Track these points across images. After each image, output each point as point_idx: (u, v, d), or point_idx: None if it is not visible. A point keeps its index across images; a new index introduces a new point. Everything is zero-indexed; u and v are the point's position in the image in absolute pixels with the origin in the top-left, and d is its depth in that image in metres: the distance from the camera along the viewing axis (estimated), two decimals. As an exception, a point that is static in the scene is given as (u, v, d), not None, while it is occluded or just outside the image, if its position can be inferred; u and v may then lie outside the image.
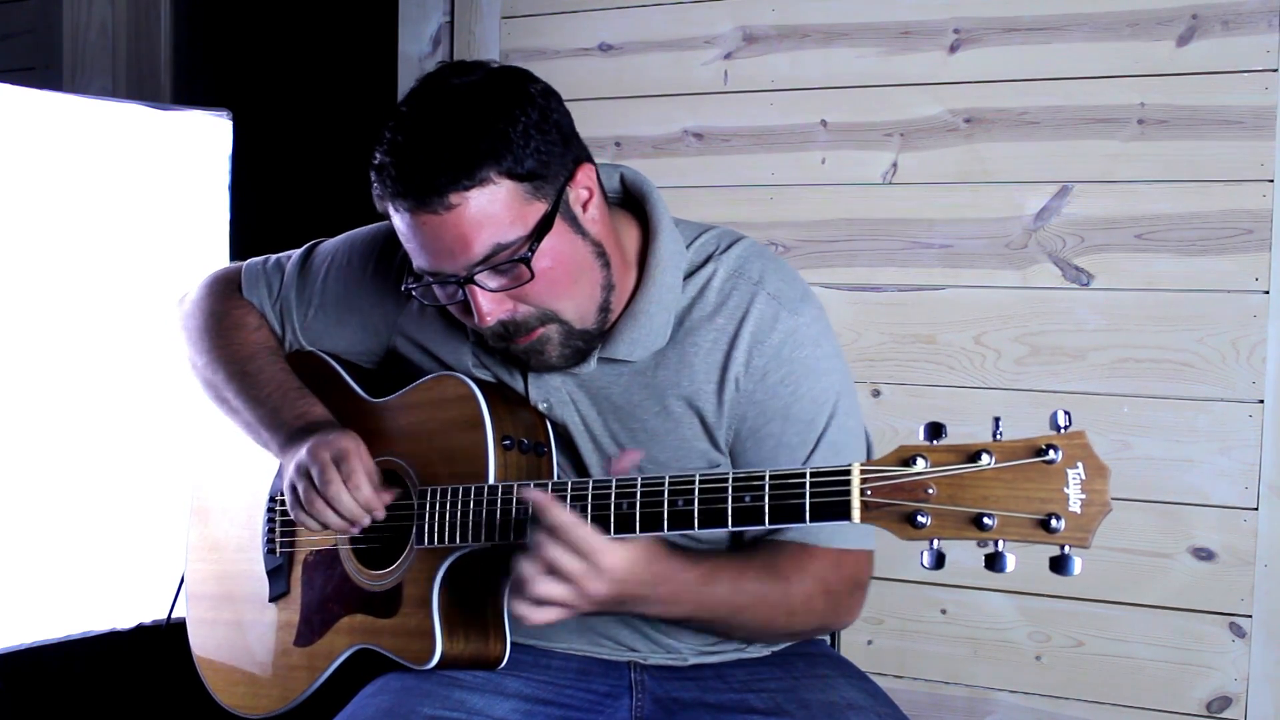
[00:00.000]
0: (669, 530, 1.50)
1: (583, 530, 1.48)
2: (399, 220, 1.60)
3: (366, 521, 1.75)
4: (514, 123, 1.57)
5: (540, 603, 1.51)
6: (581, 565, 1.48)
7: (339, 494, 1.71)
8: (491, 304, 1.61)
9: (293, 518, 1.81)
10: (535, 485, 1.59)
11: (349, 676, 1.83)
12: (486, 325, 1.63)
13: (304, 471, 1.74)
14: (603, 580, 1.50)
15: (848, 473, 1.36)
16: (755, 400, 1.73)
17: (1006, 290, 2.76)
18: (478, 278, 1.59)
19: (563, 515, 1.48)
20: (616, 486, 1.54)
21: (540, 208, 1.60)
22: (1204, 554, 2.61)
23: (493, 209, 1.56)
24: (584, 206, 1.66)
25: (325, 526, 1.76)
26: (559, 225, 1.61)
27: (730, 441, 1.76)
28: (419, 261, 1.62)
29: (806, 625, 1.76)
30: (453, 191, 1.54)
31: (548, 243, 1.60)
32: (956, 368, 2.79)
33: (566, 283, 1.64)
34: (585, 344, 1.71)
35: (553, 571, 1.49)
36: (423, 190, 1.54)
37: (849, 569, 1.73)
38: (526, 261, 1.58)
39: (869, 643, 2.86)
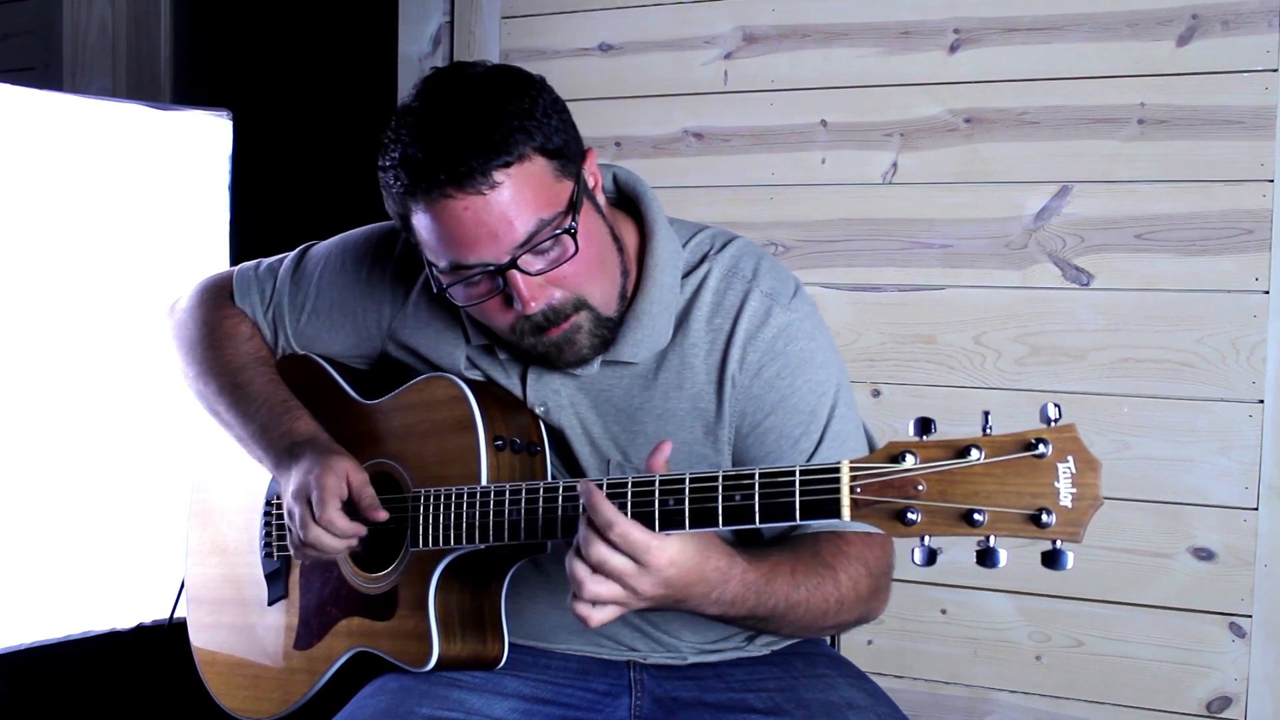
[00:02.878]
0: (659, 529, 1.48)
1: (627, 526, 1.43)
2: (426, 216, 1.58)
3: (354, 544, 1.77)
4: (535, 102, 1.59)
5: (595, 602, 1.46)
6: (629, 563, 1.43)
7: (318, 536, 1.73)
8: (533, 289, 1.60)
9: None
10: (582, 481, 1.53)
11: (350, 677, 1.83)
12: (531, 311, 1.61)
13: (291, 515, 1.76)
14: (652, 577, 1.44)
15: (837, 470, 1.35)
16: (753, 395, 1.72)
17: (1006, 290, 2.76)
18: (520, 261, 1.58)
19: (608, 511, 1.43)
20: (608, 485, 1.52)
21: (568, 186, 1.61)
22: (1204, 554, 2.60)
23: (532, 186, 1.56)
24: (594, 191, 1.68)
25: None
26: (585, 205, 1.63)
27: (733, 441, 1.75)
28: (453, 256, 1.60)
29: (850, 616, 1.68)
30: (495, 169, 1.54)
31: (579, 221, 1.60)
32: (956, 368, 2.79)
33: (597, 262, 1.65)
34: (609, 333, 1.70)
35: (602, 570, 1.44)
36: (465, 172, 1.53)
37: (877, 550, 1.70)
38: (572, 233, 1.59)
39: (869, 643, 2.86)
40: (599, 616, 1.46)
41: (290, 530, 1.78)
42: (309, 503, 1.72)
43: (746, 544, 1.66)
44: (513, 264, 1.58)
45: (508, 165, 1.54)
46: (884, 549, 1.72)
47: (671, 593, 1.47)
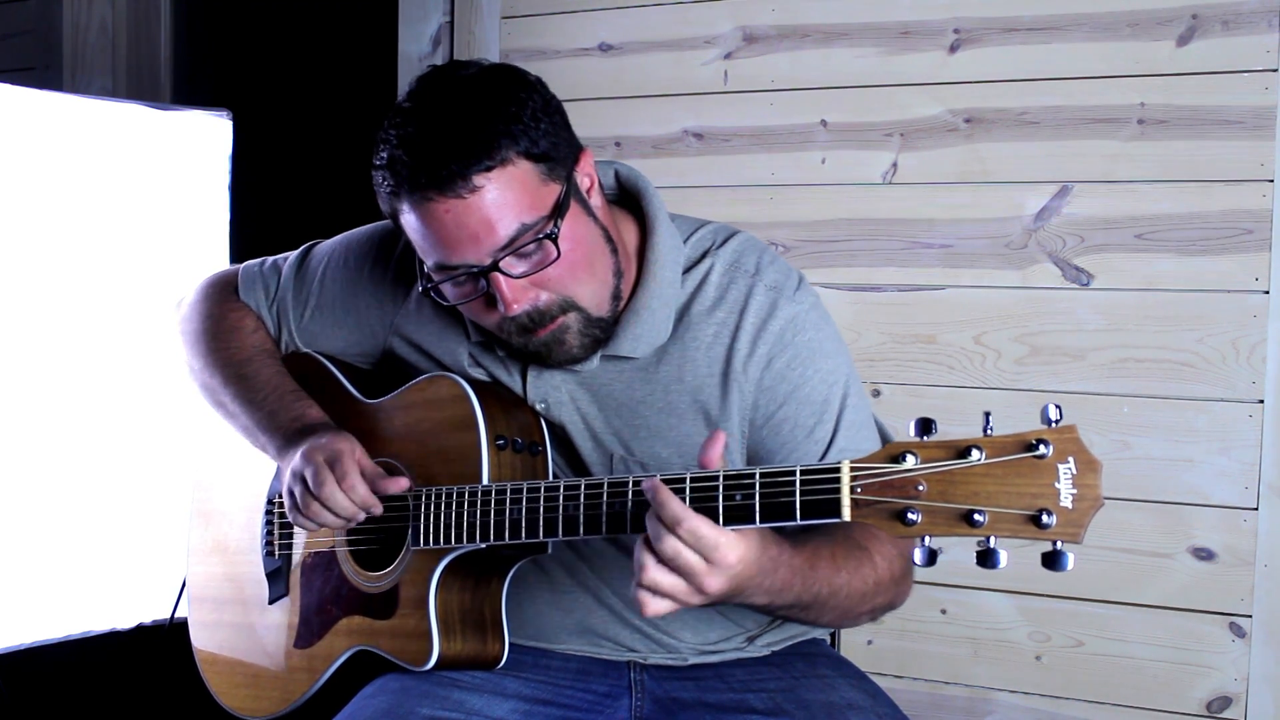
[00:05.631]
0: None
1: (696, 522, 1.39)
2: (413, 216, 1.59)
3: (362, 516, 1.74)
4: (523, 106, 1.59)
5: (655, 591, 1.43)
6: (700, 561, 1.40)
7: (333, 494, 1.70)
8: (516, 291, 1.60)
9: (291, 521, 1.82)
10: (647, 476, 1.49)
11: (350, 677, 1.83)
12: (514, 313, 1.62)
13: (299, 476, 1.74)
14: (721, 576, 1.41)
15: (838, 470, 1.35)
16: (764, 387, 1.72)
17: (1006, 290, 2.76)
18: (502, 264, 1.58)
19: (675, 508, 1.40)
20: (608, 484, 1.53)
21: (555, 189, 1.61)
22: (1204, 554, 2.60)
23: (514, 190, 1.56)
24: (588, 192, 1.67)
25: (323, 526, 1.76)
26: (573, 207, 1.62)
27: (747, 435, 1.75)
28: (437, 257, 1.61)
29: (884, 599, 1.66)
30: (476, 173, 1.54)
31: (565, 225, 1.60)
32: (956, 368, 2.79)
33: (584, 265, 1.65)
34: (602, 332, 1.71)
35: (673, 564, 1.41)
36: (446, 176, 1.54)
37: None
38: (553, 238, 1.58)
39: (869, 643, 2.86)
40: (656, 607, 1.43)
41: (294, 495, 1.75)
42: (328, 464, 1.71)
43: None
44: (494, 266, 1.58)
45: (489, 169, 1.55)
46: None
47: (734, 588, 1.44)
